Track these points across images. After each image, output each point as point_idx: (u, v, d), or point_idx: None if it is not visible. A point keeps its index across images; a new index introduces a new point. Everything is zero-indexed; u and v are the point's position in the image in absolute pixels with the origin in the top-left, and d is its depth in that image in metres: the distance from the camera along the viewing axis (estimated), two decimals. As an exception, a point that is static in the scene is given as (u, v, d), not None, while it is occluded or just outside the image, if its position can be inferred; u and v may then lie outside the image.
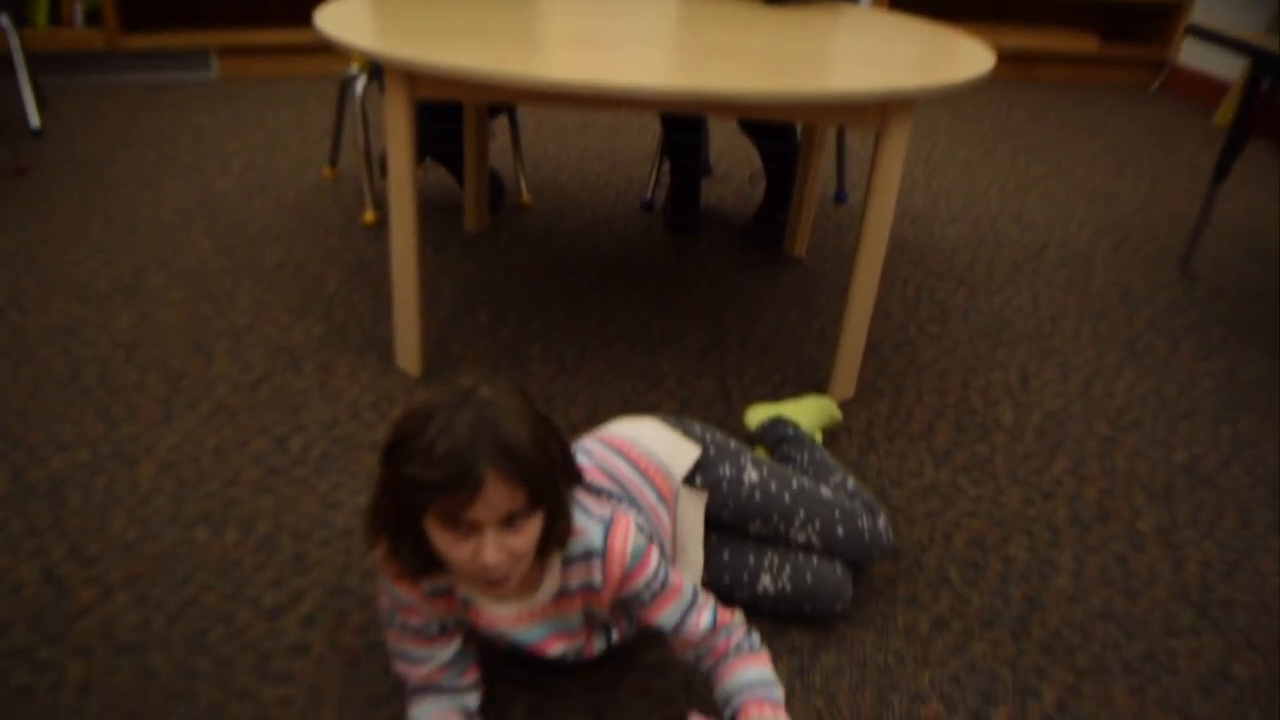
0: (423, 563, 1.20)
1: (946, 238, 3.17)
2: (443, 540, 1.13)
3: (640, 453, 1.50)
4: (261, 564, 1.64)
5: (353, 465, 1.89)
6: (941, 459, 2.06)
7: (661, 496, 1.48)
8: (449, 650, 1.31)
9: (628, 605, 1.31)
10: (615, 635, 1.44)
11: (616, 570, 1.24)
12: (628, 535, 1.25)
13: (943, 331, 2.58)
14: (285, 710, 1.39)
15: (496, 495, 1.08)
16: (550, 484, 1.15)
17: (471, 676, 1.34)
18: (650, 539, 1.31)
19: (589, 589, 1.27)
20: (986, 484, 1.99)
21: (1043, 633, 1.64)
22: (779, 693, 1.30)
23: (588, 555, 1.24)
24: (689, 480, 1.54)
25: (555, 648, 1.35)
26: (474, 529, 1.11)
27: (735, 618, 1.34)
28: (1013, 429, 2.18)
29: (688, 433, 1.58)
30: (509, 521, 1.12)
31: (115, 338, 2.25)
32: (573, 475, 1.25)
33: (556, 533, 1.21)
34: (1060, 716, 1.49)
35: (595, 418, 1.99)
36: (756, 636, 1.35)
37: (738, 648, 1.32)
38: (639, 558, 1.26)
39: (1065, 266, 3.02)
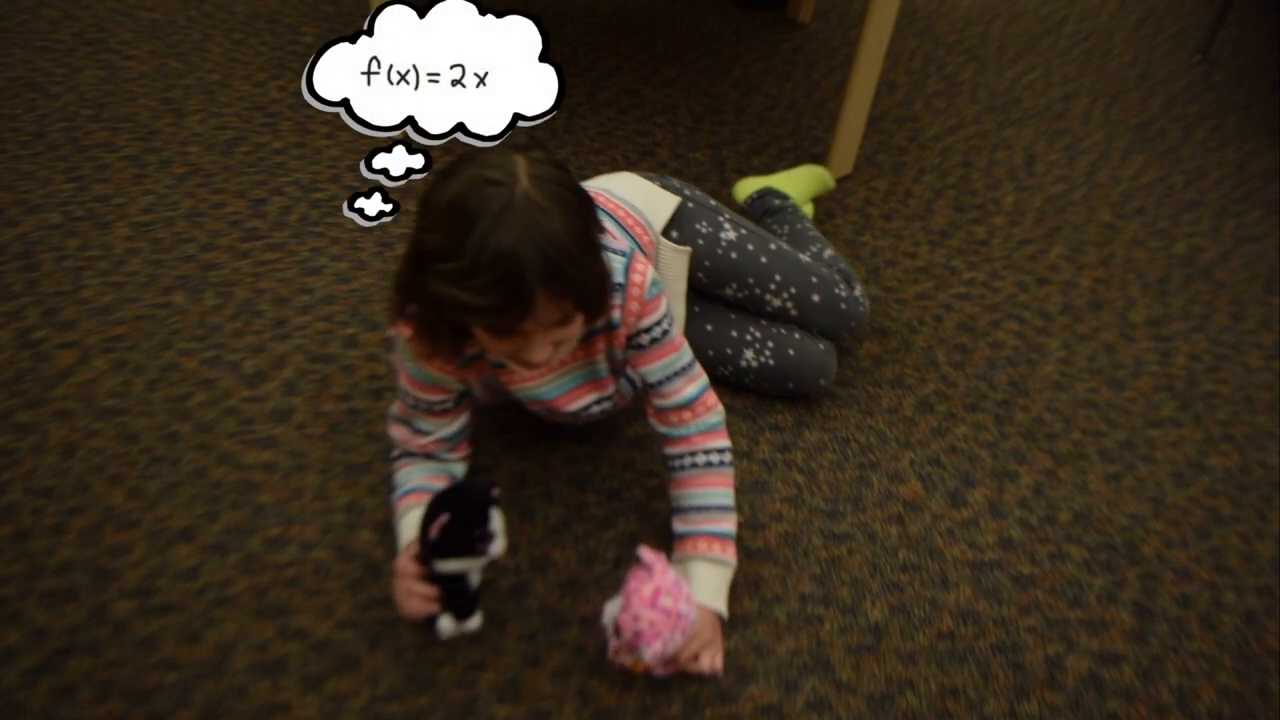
0: (456, 345, 1.16)
1: (959, 6, 2.99)
2: (485, 338, 1.10)
3: (617, 203, 1.44)
4: (241, 330, 1.61)
5: (333, 230, 1.83)
6: (937, 240, 2.01)
7: (641, 248, 1.44)
8: (455, 425, 1.30)
9: (627, 348, 1.28)
10: (637, 380, 1.41)
11: (635, 305, 1.21)
12: (646, 271, 1.22)
13: (949, 107, 2.47)
14: (268, 475, 1.40)
15: (546, 312, 1.05)
16: (596, 283, 1.11)
17: (463, 451, 1.34)
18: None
19: (610, 326, 1.23)
20: (981, 267, 1.96)
21: (1025, 418, 1.64)
22: (732, 526, 1.28)
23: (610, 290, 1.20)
24: (666, 236, 1.50)
25: (586, 397, 1.33)
26: (522, 334, 1.08)
27: (718, 409, 1.31)
28: (1013, 212, 2.13)
29: (666, 186, 1.53)
30: (558, 322, 1.08)
31: (81, 93, 2.14)
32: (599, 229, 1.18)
33: (599, 310, 1.16)
34: (1035, 500, 1.51)
35: (584, 189, 1.92)
36: (730, 455, 1.31)
37: (708, 460, 1.29)
38: (653, 294, 1.23)
39: (1083, 42, 2.87)
